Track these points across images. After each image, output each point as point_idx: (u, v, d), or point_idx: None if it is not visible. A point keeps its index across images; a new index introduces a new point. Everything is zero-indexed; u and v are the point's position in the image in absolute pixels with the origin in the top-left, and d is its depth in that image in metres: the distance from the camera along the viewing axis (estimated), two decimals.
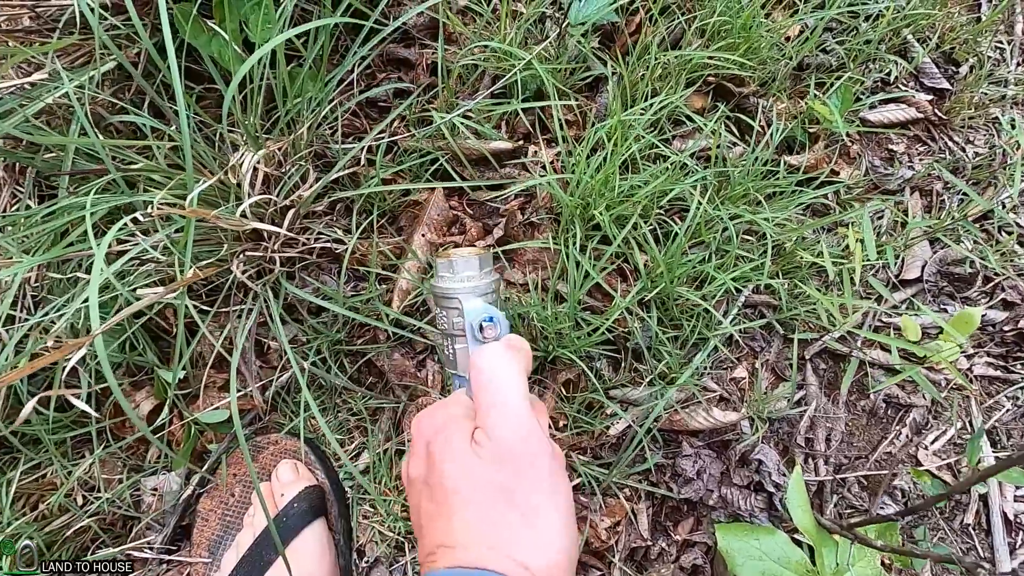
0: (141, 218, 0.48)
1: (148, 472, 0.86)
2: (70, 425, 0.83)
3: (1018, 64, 1.09)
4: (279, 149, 0.76)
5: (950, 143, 1.06)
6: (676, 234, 0.86)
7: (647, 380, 0.89)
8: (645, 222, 0.87)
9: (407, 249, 0.89)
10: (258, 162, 0.73)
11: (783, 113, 0.98)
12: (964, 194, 1.01)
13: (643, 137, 0.87)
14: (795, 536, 0.81)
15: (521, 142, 0.95)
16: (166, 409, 0.83)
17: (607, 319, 0.82)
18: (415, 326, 0.86)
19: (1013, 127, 1.00)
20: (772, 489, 0.85)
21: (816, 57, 1.02)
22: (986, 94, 1.07)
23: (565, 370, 0.90)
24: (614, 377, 0.91)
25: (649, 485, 0.89)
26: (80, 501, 0.82)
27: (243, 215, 0.65)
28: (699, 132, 0.96)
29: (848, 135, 0.99)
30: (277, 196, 0.69)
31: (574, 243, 0.85)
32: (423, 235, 0.91)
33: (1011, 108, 1.05)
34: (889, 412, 0.97)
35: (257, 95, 0.75)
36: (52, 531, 0.79)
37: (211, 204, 0.72)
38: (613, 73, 0.93)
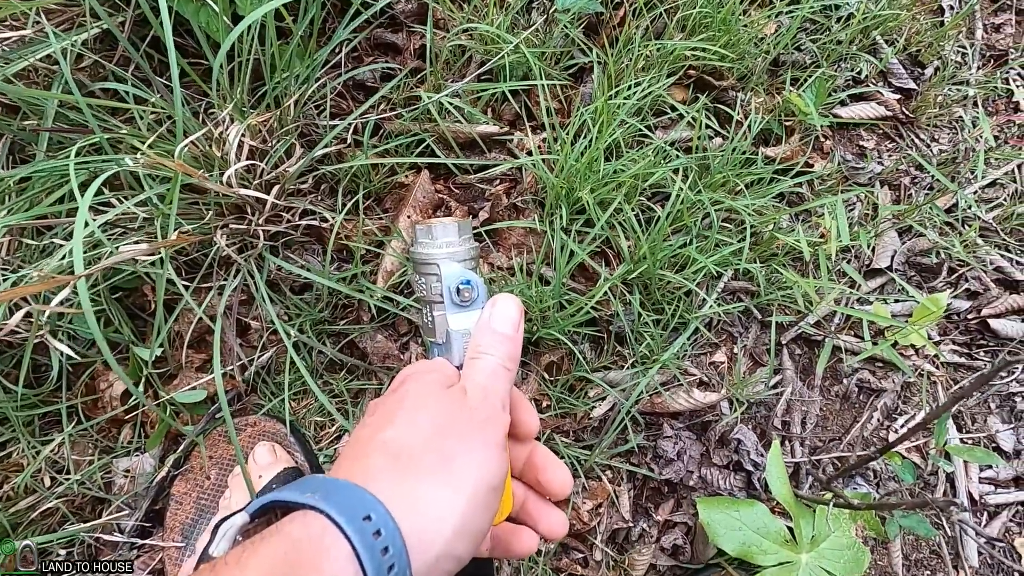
0: (131, 162, 0.47)
1: (120, 453, 0.84)
2: (39, 404, 0.80)
3: (979, 67, 1.14)
4: (264, 123, 0.75)
5: (916, 140, 1.11)
6: (659, 218, 0.88)
7: (630, 362, 0.91)
8: (629, 205, 0.89)
9: (392, 229, 0.89)
10: (244, 134, 0.73)
11: (760, 107, 1.02)
12: (930, 188, 1.06)
13: (627, 122, 0.89)
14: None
15: (507, 128, 0.96)
16: (140, 388, 0.81)
17: (591, 298, 0.83)
18: (400, 303, 0.86)
19: (975, 126, 1.05)
20: (751, 468, 0.87)
21: (791, 55, 1.06)
22: (949, 95, 1.12)
23: (548, 352, 0.90)
24: (596, 360, 0.92)
25: (631, 466, 0.90)
26: (48, 482, 0.79)
27: (228, 183, 0.65)
28: (680, 121, 0.98)
29: (821, 129, 1.03)
30: (264, 164, 0.69)
31: (559, 225, 0.86)
32: (408, 217, 0.91)
33: (973, 108, 1.11)
34: (861, 397, 1.00)
35: (245, 69, 0.75)
36: (18, 512, 0.76)
37: None
38: (599, 62, 0.96)
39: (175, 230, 0.58)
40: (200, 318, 0.76)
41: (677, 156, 0.93)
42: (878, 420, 0.98)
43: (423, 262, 0.44)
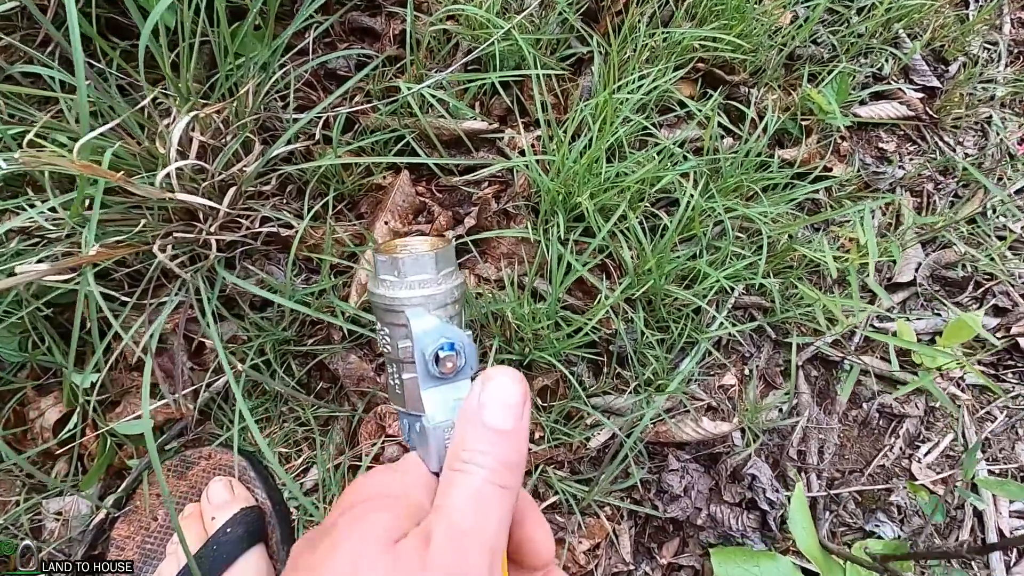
0: (3, 163, 0.37)
1: (52, 492, 0.73)
2: None
3: (1007, 64, 1.06)
4: (218, 114, 0.65)
5: (940, 143, 1.03)
6: (665, 228, 0.79)
7: (632, 387, 0.81)
8: (633, 212, 0.79)
9: (367, 237, 0.79)
10: (192, 128, 0.63)
11: (775, 104, 0.93)
12: (955, 196, 0.98)
13: (631, 120, 0.79)
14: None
15: (497, 124, 0.86)
16: (76, 417, 0.71)
17: (591, 318, 0.74)
18: (375, 324, 0.76)
19: (1005, 126, 0.97)
20: (766, 507, 0.78)
21: (808, 48, 0.97)
22: (974, 94, 1.04)
23: (542, 376, 0.81)
24: (595, 384, 0.82)
25: (632, 503, 0.81)
26: None
27: (167, 186, 0.55)
28: (688, 120, 0.89)
29: (839, 130, 0.94)
30: (214, 167, 0.58)
31: (556, 233, 0.76)
32: (386, 223, 0.81)
33: (1000, 109, 1.03)
34: (881, 423, 0.92)
35: (191, 53, 0.64)
36: None
37: (132, 174, 0.61)
38: (599, 52, 0.86)
39: (96, 243, 0.48)
40: (148, 336, 0.66)
41: (686, 158, 0.84)
42: (900, 449, 0.90)
43: (386, 308, 0.31)
